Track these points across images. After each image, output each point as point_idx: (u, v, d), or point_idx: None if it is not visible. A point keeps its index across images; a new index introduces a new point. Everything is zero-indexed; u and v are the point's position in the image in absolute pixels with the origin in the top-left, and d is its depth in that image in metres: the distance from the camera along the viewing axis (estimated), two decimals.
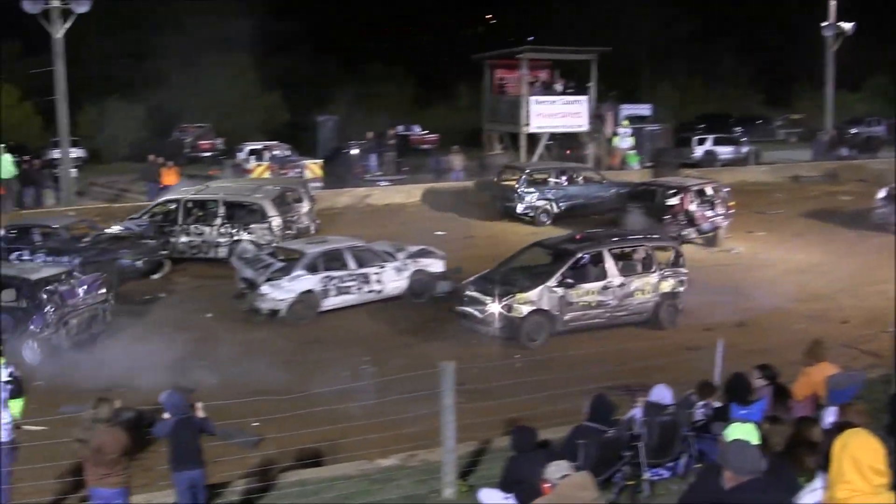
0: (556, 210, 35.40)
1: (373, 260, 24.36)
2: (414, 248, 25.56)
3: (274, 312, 22.90)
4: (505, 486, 10.77)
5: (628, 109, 54.01)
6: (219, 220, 29.18)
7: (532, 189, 35.46)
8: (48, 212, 33.81)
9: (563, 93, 44.76)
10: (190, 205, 29.94)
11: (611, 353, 19.17)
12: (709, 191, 31.84)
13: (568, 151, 45.34)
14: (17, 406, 12.19)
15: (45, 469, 12.89)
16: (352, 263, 23.94)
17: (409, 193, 40.26)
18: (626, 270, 22.98)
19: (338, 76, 64.26)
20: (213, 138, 54.53)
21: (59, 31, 36.09)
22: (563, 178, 36.48)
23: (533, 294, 21.69)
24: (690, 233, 30.66)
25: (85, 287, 21.62)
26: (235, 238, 28.25)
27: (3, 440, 12.00)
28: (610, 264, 22.51)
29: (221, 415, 13.43)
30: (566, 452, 10.68)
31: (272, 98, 61.10)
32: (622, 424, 11.82)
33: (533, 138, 44.25)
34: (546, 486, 8.56)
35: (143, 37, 60.97)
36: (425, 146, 54.05)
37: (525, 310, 21.56)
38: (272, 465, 13.57)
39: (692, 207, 30.84)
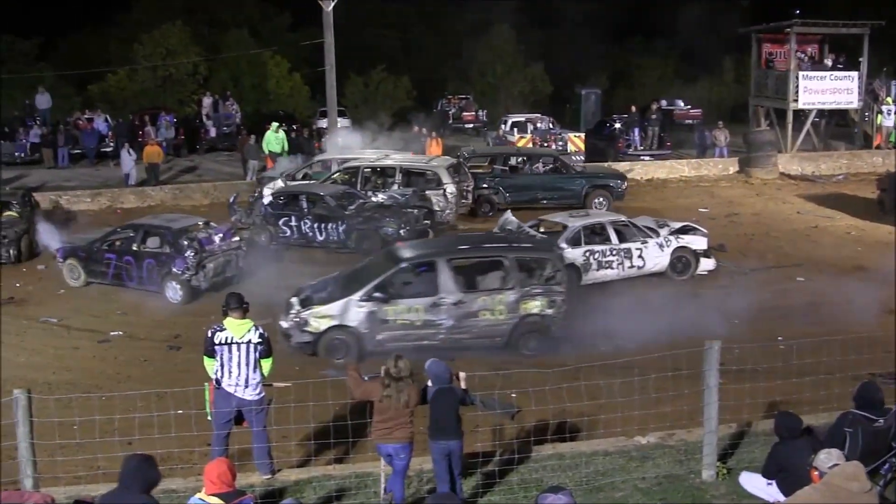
0: (500, 200, 32.36)
1: (635, 235, 24.10)
2: (677, 225, 25.14)
3: None
4: (768, 472, 10.53)
5: None
6: (395, 187, 29.70)
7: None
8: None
9: (833, 68, 43.17)
10: (368, 171, 30.59)
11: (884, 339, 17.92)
12: None
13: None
14: (266, 365, 12.62)
15: (292, 430, 13.47)
16: (614, 238, 23.76)
17: (671, 168, 39.71)
18: (472, 285, 19.95)
19: (599, 49, 63.81)
20: (477, 110, 55.06)
21: (329, 5, 37.35)
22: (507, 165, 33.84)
23: (334, 308, 19.16)
24: None
25: (220, 235, 24.44)
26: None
27: (255, 399, 12.50)
28: (445, 277, 19.28)
29: (480, 386, 13.61)
30: (832, 440, 10.33)
31: (535, 70, 61.17)
32: (892, 414, 11.32)
33: (799, 114, 42.84)
34: (815, 473, 8.32)
35: (407, 8, 62.17)
36: (689, 121, 53.04)
37: (323, 325, 19.10)
38: (529, 436, 13.68)
39: None
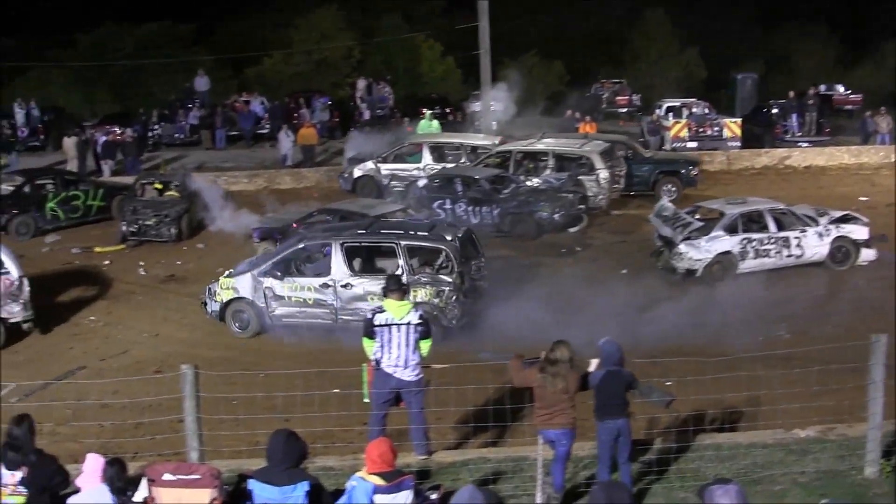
0: None
1: (794, 223, 23.59)
2: (837, 213, 24.51)
3: (690, 272, 22.75)
4: None
5: None
6: (548, 172, 29.51)
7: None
8: None
9: None
10: (520, 156, 30.54)
11: None
12: None
13: None
14: (425, 347, 12.77)
15: (449, 412, 13.73)
16: (772, 226, 23.29)
17: (830, 156, 38.78)
18: (362, 270, 20.25)
19: (756, 33, 62.52)
20: (630, 94, 54.62)
21: None
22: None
23: (238, 281, 20.28)
24: None
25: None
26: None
27: (414, 380, 12.65)
28: (338, 260, 19.85)
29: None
30: None
31: (690, 55, 60.32)
32: None
33: None
34: None
35: None
36: (849, 107, 51.66)
37: (226, 296, 20.31)
38: (686, 426, 13.59)
39: None
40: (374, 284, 19.27)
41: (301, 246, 20.66)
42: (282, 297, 20.05)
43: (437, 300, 19.42)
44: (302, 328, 20.11)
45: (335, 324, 19.85)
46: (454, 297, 19.41)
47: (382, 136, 37.54)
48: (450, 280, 19.54)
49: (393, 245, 20.06)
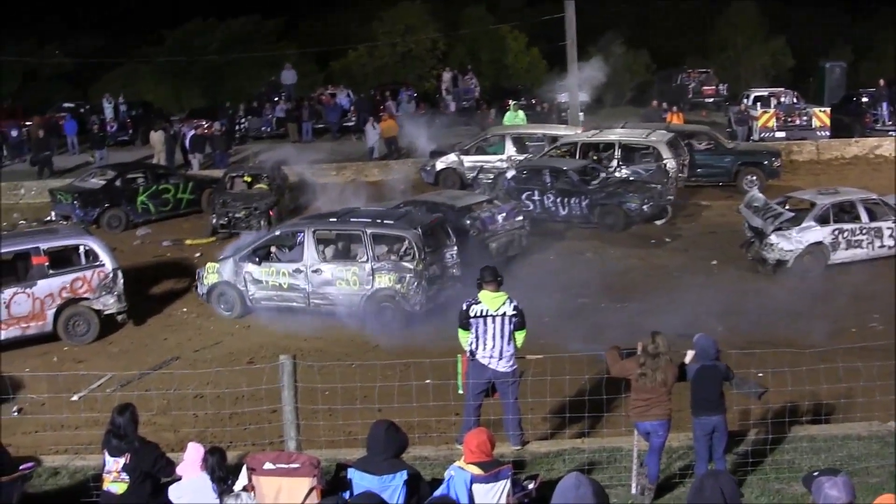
0: None
1: (886, 214, 23.28)
2: None
3: (781, 263, 22.55)
4: None
5: None
6: (615, 163, 29.47)
7: None
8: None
9: None
10: (586, 147, 30.44)
11: None
12: None
13: None
14: (520, 338, 12.84)
15: (542, 402, 13.83)
16: (864, 216, 23.02)
17: None
18: (335, 256, 21.27)
19: (844, 21, 61.56)
20: (717, 84, 54.08)
21: None
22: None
23: (222, 265, 21.55)
24: None
25: (504, 214, 24.07)
26: None
27: (509, 371, 12.77)
28: (309, 246, 20.90)
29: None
30: None
31: (777, 43, 59.57)
32: None
33: None
34: None
35: None
36: None
37: (212, 279, 21.53)
38: (781, 417, 13.54)
39: None
40: (341, 270, 20.62)
41: (277, 233, 22.26)
42: (260, 282, 21.23)
43: (398, 286, 20.15)
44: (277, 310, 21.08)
45: (307, 307, 20.93)
46: (416, 284, 20.06)
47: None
48: (411, 267, 20.13)
49: (359, 233, 20.85)
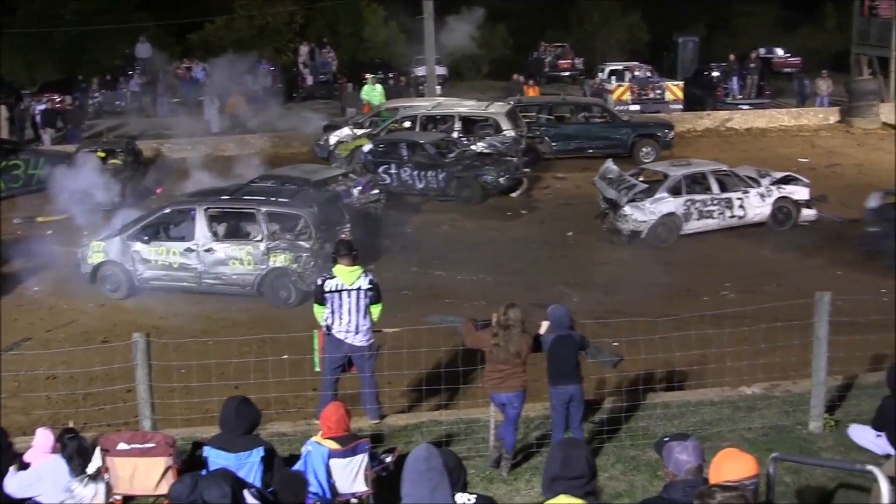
0: (546, 149, 32.16)
1: (736, 185, 23.80)
2: (778, 175, 24.73)
3: (635, 233, 22.86)
4: (878, 424, 10.47)
5: None
6: (454, 135, 29.72)
7: None
8: None
9: None
10: (426, 119, 30.80)
11: None
12: None
13: None
14: (376, 311, 12.80)
15: (402, 375, 13.83)
16: (715, 187, 23.48)
17: (771, 118, 39.13)
18: (228, 235, 20.59)
19: None
20: (573, 58, 54.66)
21: None
22: None
23: (107, 243, 20.58)
24: None
25: (360, 188, 24.11)
26: None
27: (365, 345, 12.70)
28: (201, 224, 20.17)
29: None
30: None
31: (633, 18, 60.45)
32: None
33: None
34: None
35: None
36: (788, 69, 52.12)
37: (97, 259, 20.60)
38: (634, 385, 13.76)
39: None
40: (235, 249, 19.95)
41: (167, 210, 21.08)
42: (148, 261, 20.36)
43: (295, 265, 19.64)
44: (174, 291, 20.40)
45: (199, 287, 20.24)
46: (312, 263, 19.54)
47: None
48: (307, 246, 19.73)
49: (254, 211, 20.27)
